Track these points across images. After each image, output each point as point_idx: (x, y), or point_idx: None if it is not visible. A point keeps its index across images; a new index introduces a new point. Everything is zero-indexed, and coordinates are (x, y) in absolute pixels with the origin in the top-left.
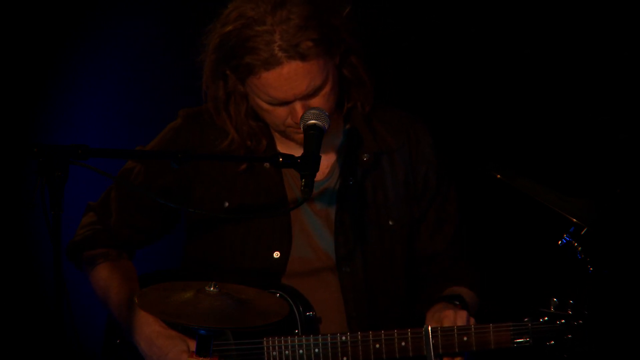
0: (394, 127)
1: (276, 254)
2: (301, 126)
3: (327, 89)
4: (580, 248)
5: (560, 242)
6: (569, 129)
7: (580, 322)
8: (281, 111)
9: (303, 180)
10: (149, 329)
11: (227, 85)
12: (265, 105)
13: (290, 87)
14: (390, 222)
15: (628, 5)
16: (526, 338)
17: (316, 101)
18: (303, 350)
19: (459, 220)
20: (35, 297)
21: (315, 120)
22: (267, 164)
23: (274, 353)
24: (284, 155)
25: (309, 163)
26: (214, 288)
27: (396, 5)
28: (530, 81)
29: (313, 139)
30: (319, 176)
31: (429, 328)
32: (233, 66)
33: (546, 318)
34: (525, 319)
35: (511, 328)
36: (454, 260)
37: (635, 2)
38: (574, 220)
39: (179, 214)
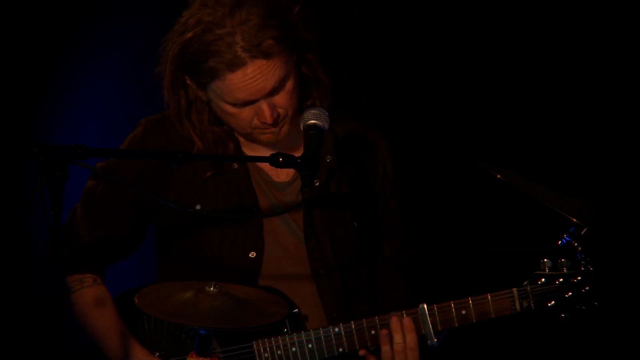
0: (352, 130)
1: (252, 254)
2: (301, 126)
3: (290, 84)
4: (580, 248)
5: (560, 242)
6: (569, 129)
7: (580, 278)
8: (247, 113)
9: (303, 180)
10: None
11: (188, 93)
12: (230, 109)
13: (256, 86)
14: (355, 224)
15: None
16: (528, 302)
17: (281, 98)
18: (296, 347)
19: (406, 232)
20: (35, 297)
21: (315, 120)
22: (235, 165)
23: (266, 355)
24: (284, 155)
25: (309, 163)
26: (214, 288)
27: (390, 5)
28: (531, 80)
29: (313, 138)
30: (285, 177)
31: (425, 306)
32: (196, 72)
33: (543, 280)
34: (525, 283)
35: (510, 295)
36: (393, 273)
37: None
38: (574, 220)
39: (146, 226)
